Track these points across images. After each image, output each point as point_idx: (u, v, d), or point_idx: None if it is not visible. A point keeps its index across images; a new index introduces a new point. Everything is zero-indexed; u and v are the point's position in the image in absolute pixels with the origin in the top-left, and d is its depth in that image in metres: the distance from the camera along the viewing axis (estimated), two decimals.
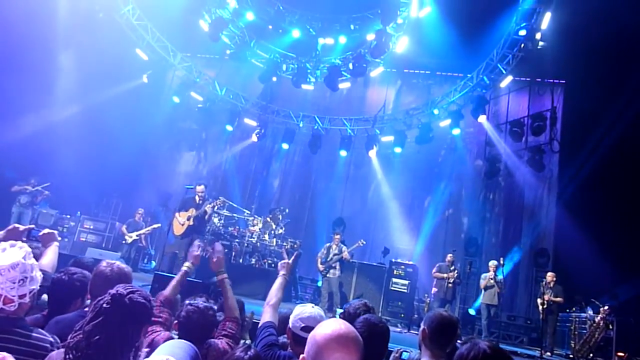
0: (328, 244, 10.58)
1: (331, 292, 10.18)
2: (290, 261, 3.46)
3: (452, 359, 2.93)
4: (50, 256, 3.02)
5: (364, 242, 10.75)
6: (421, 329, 2.78)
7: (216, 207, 9.35)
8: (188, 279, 3.70)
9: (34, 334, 2.15)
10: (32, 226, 3.29)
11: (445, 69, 15.33)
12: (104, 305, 2.00)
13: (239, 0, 13.37)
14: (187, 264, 3.48)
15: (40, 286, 2.71)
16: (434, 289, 10.55)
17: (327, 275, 10.18)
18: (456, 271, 10.27)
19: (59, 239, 3.47)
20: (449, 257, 10.50)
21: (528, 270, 13.20)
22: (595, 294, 9.87)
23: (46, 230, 3.20)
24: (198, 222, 9.14)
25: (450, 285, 10.15)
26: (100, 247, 11.65)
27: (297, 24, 13.90)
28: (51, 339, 2.19)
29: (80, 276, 2.98)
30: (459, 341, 3.73)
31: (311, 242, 14.71)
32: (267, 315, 2.97)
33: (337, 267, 10.19)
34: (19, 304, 2.13)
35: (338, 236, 10.56)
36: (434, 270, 10.58)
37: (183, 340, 2.08)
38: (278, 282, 3.30)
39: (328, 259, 10.24)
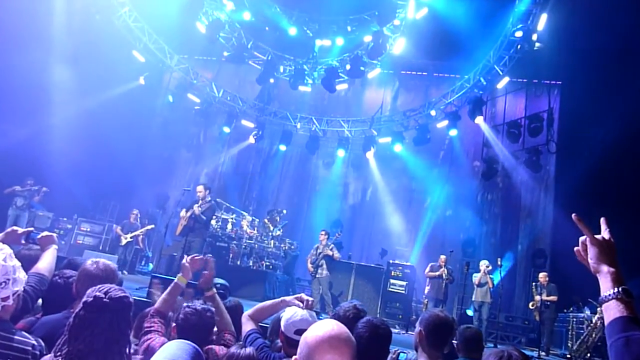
0: (317, 245, 10.46)
1: (319, 292, 10.00)
2: (303, 302, 2.92)
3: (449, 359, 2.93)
4: (47, 260, 2.95)
5: (340, 233, 10.69)
6: (417, 330, 2.76)
7: (202, 208, 9.19)
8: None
9: (15, 337, 2.13)
10: (31, 229, 3.24)
11: (442, 70, 15.37)
12: (80, 313, 2.00)
13: (236, 2, 13.38)
14: (179, 276, 3.18)
15: (37, 290, 2.71)
16: (427, 289, 10.66)
17: (317, 276, 10.04)
18: (444, 269, 10.33)
19: (62, 242, 3.42)
20: (442, 258, 10.57)
21: (526, 271, 13.23)
22: (592, 294, 9.86)
23: (45, 233, 3.15)
24: (193, 223, 9.08)
25: (442, 282, 10.22)
26: (97, 250, 11.61)
27: (294, 25, 13.92)
28: (33, 342, 2.17)
29: (75, 279, 2.97)
30: (454, 340, 3.74)
31: (309, 244, 14.62)
32: (248, 325, 2.95)
33: (324, 265, 10.02)
34: (1, 306, 2.11)
35: (323, 234, 10.35)
36: (426, 270, 10.69)
37: (183, 340, 2.07)
38: (274, 303, 3.07)
39: (315, 260, 10.13)
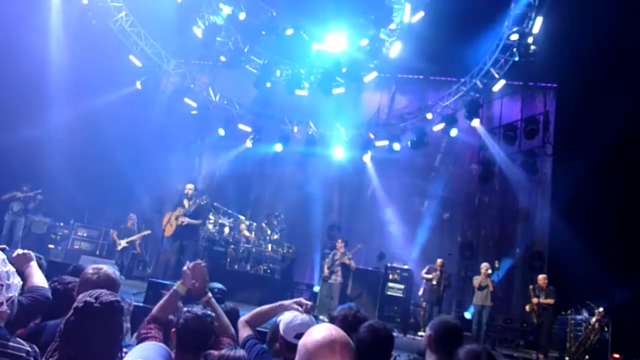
0: (334, 251, 10.75)
1: (330, 297, 10.26)
2: (302, 306, 2.85)
3: None
4: (39, 275, 2.94)
5: (362, 245, 10.93)
6: (427, 334, 2.84)
7: (203, 201, 9.34)
8: None
9: (10, 343, 2.11)
10: (4, 246, 3.19)
11: (438, 73, 15.40)
12: (71, 319, 2.00)
13: (232, 6, 13.39)
14: (179, 284, 3.13)
15: (35, 302, 2.69)
16: (421, 290, 10.80)
17: (329, 281, 10.33)
18: (438, 273, 10.38)
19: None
20: (438, 262, 10.70)
21: (523, 274, 13.24)
22: (590, 296, 9.90)
23: (19, 251, 3.13)
24: (187, 224, 9.12)
25: (434, 286, 10.29)
26: (94, 255, 11.60)
27: (290, 29, 13.91)
28: (28, 348, 2.15)
29: (75, 285, 2.97)
30: None
31: (307, 248, 14.68)
32: (244, 331, 2.91)
33: (339, 272, 10.32)
34: None
35: (340, 243, 10.70)
36: (423, 272, 10.80)
37: (155, 343, 2.07)
38: (272, 307, 3.01)
39: (331, 266, 10.42)
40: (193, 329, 2.76)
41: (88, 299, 2.03)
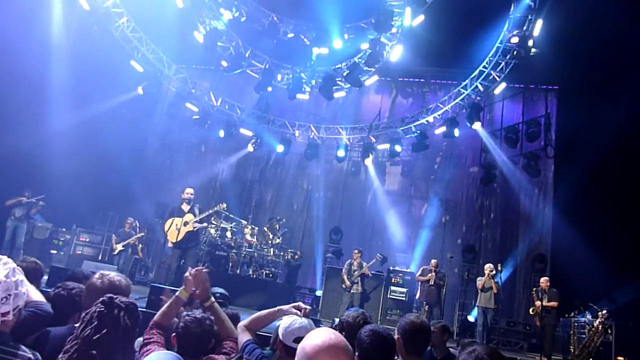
0: (349, 261, 10.83)
1: (351, 306, 10.33)
2: (301, 310, 2.84)
3: None
4: (34, 290, 2.91)
5: (381, 257, 10.94)
6: (396, 338, 2.75)
7: (219, 208, 9.47)
8: None
9: (16, 351, 2.13)
10: None
11: (439, 77, 15.45)
12: (98, 309, 2.02)
13: (233, 11, 13.45)
14: (181, 290, 3.11)
15: (39, 315, 2.70)
16: (418, 293, 10.83)
17: (351, 291, 10.47)
18: (433, 274, 10.38)
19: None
20: (432, 262, 10.71)
21: (526, 276, 13.21)
22: (593, 299, 9.87)
23: None
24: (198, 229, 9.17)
25: (431, 287, 10.27)
26: (96, 260, 11.60)
27: (291, 33, 13.98)
28: (30, 356, 2.16)
29: (79, 291, 2.98)
30: (450, 346, 3.74)
31: (309, 252, 14.68)
32: (244, 336, 2.89)
33: (359, 283, 10.52)
34: (1, 321, 2.10)
35: (357, 253, 10.78)
36: (417, 274, 10.80)
37: (168, 352, 2.08)
38: (271, 312, 2.99)
39: (351, 276, 10.54)
40: (193, 333, 2.77)
41: (110, 301, 2.06)
